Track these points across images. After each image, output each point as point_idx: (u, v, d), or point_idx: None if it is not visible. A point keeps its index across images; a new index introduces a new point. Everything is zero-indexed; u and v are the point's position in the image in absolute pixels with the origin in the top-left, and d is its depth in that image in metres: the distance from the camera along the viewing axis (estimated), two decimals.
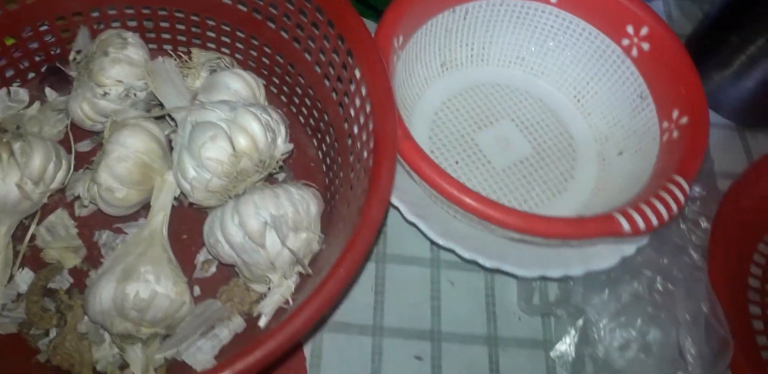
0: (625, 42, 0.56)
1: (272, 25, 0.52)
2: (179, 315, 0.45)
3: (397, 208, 0.49)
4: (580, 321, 0.49)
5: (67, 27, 0.54)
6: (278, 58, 0.55)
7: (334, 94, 0.50)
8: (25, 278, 0.48)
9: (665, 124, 0.52)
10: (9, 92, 0.55)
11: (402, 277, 0.54)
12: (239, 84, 0.51)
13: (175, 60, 0.53)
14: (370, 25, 0.49)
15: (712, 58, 0.63)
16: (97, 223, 0.51)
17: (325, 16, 0.47)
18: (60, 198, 0.52)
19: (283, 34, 0.52)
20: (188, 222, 0.52)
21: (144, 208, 0.50)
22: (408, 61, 0.56)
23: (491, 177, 0.57)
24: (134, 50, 0.52)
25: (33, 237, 0.50)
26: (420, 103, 0.59)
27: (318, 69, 0.51)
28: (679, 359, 0.46)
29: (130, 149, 0.47)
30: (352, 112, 0.48)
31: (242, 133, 0.45)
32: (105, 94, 0.51)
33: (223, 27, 0.55)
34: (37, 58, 0.55)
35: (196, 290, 0.50)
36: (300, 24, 0.50)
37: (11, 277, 0.48)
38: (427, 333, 0.52)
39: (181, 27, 0.56)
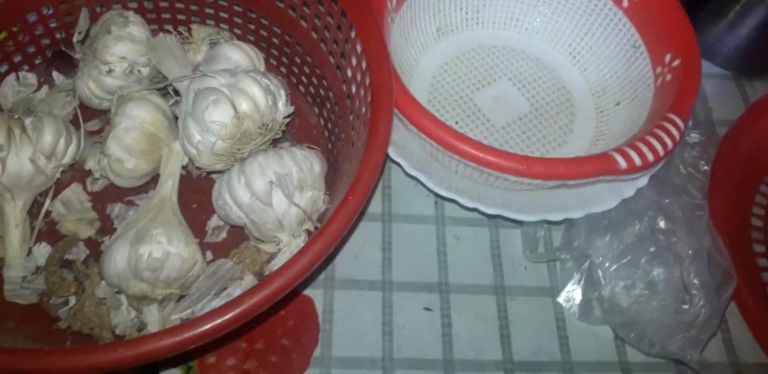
0: None
1: None
2: (192, 274, 0.46)
3: (398, 164, 0.50)
4: (585, 265, 0.50)
5: (70, 10, 0.56)
6: (275, 28, 0.56)
7: (331, 58, 0.52)
8: (42, 252, 0.50)
9: (658, 69, 0.52)
10: (18, 77, 0.57)
11: (408, 235, 0.55)
12: (238, 54, 0.52)
13: (176, 36, 0.55)
14: None
15: (706, 7, 0.63)
16: (109, 198, 0.53)
17: None
18: (72, 176, 0.53)
19: (279, 3, 0.54)
20: (197, 192, 0.53)
21: (153, 181, 0.52)
22: (403, 26, 0.57)
23: (491, 135, 0.58)
24: (136, 28, 0.53)
25: (48, 213, 0.51)
26: (418, 68, 0.60)
27: (314, 34, 0.52)
28: (683, 293, 0.46)
29: (136, 120, 0.49)
30: (349, 73, 0.49)
31: (243, 96, 0.46)
32: (110, 71, 0.52)
33: (221, 2, 0.57)
34: (43, 44, 0.57)
35: (208, 255, 0.51)
36: None
37: (29, 251, 0.49)
38: (435, 285, 0.53)
39: (180, 5, 0.58)
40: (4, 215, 0.48)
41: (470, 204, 0.48)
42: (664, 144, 0.44)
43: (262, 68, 0.53)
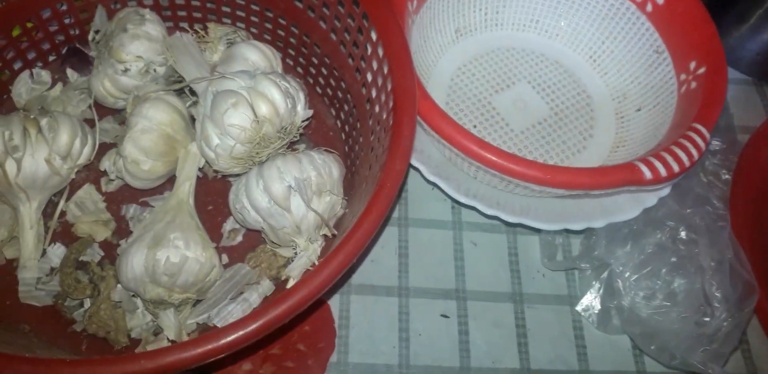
0: None
1: None
2: (209, 279, 0.46)
3: (417, 169, 0.49)
4: (605, 274, 0.49)
5: (85, 7, 0.55)
6: (293, 29, 0.55)
7: (350, 60, 0.51)
8: (57, 253, 0.49)
9: (683, 77, 0.51)
10: (32, 74, 0.56)
11: (425, 240, 0.54)
12: (256, 55, 0.51)
13: (193, 35, 0.54)
14: None
15: (729, 12, 0.63)
16: (123, 199, 0.52)
17: None
18: (86, 176, 0.53)
19: (297, 3, 0.53)
20: (213, 194, 0.53)
21: (169, 182, 0.51)
22: (422, 27, 0.56)
23: (510, 139, 0.57)
24: (152, 26, 0.52)
25: (63, 213, 0.51)
26: (436, 69, 0.60)
27: (333, 36, 0.52)
28: (705, 305, 0.46)
29: (153, 121, 0.48)
30: (369, 77, 0.48)
31: (263, 100, 0.45)
32: (126, 70, 0.51)
33: (238, 1, 0.56)
34: (57, 40, 0.56)
35: (224, 258, 0.51)
36: None
37: (44, 252, 0.49)
38: (452, 292, 0.52)
39: (196, 3, 0.57)
40: (19, 216, 0.48)
41: (490, 212, 0.48)
42: (689, 154, 0.44)
43: (280, 69, 0.53)
